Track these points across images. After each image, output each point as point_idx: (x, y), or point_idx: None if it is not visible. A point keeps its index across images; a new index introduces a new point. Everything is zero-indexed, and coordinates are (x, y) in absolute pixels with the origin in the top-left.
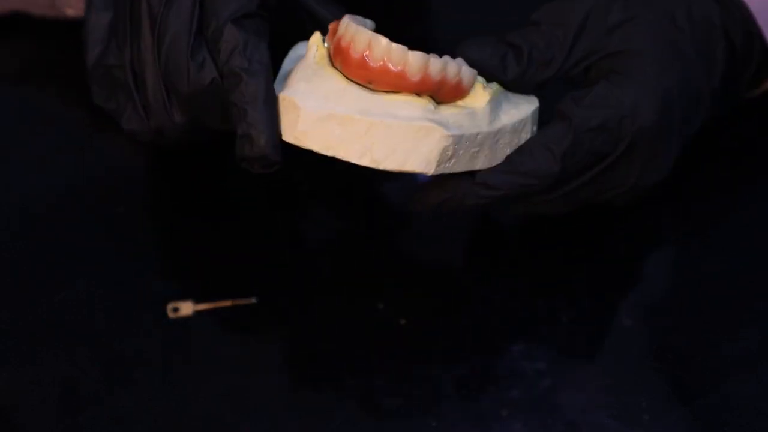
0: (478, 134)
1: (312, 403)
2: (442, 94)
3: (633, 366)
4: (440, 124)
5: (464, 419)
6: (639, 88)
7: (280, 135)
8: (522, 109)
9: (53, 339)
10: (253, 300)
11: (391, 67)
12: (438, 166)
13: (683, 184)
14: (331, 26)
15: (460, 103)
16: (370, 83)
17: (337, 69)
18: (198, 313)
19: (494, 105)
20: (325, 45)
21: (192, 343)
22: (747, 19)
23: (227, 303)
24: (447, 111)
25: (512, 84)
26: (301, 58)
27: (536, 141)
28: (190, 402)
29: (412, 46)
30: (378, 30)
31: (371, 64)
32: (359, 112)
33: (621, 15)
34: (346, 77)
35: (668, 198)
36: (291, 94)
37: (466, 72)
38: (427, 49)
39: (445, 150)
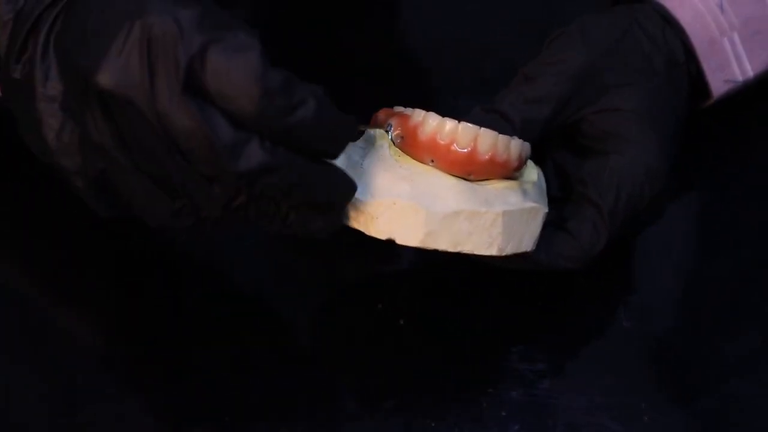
0: (547, 202)
1: (311, 403)
2: (518, 169)
3: (633, 367)
4: (537, 202)
5: (463, 420)
6: (647, 153)
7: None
8: (539, 174)
9: (52, 338)
10: None
11: (497, 158)
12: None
13: (682, 185)
14: (380, 117)
15: (522, 178)
16: (470, 174)
17: (425, 163)
18: (197, 314)
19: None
20: (390, 137)
21: (192, 343)
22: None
23: None
24: (528, 186)
25: None
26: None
27: (578, 237)
28: (190, 401)
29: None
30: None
31: (479, 158)
32: (482, 204)
33: (614, 72)
34: (442, 170)
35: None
36: (402, 198)
37: (527, 145)
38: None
39: (542, 225)
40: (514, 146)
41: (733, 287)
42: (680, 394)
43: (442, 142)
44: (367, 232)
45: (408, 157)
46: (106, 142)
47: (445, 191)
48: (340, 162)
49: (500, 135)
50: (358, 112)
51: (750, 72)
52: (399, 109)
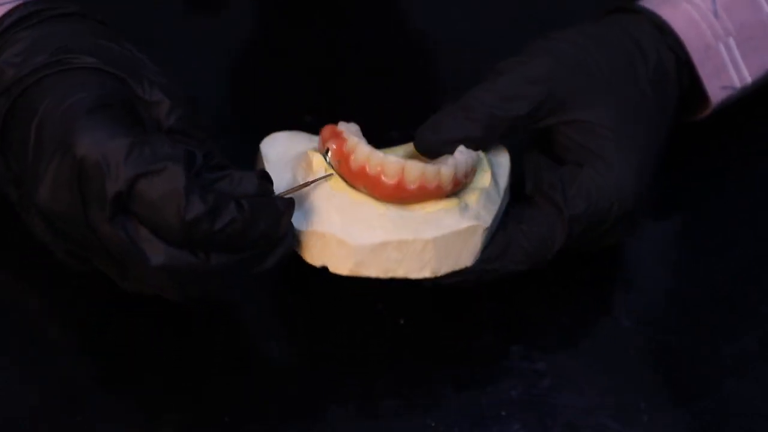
0: (498, 213)
1: (311, 403)
2: (459, 187)
3: (632, 367)
4: (477, 218)
5: (463, 419)
6: (620, 173)
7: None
8: (502, 166)
9: (52, 337)
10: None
11: (427, 185)
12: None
13: (682, 186)
14: (324, 135)
15: (471, 185)
16: (402, 201)
17: (358, 190)
18: (197, 313)
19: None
20: (329, 161)
21: (192, 343)
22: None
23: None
24: (471, 199)
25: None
26: (287, 166)
27: (532, 233)
28: (190, 401)
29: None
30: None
31: (408, 187)
32: (411, 232)
33: (586, 76)
34: (376, 198)
35: (667, 199)
36: (332, 230)
37: (471, 158)
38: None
39: (484, 239)
40: (445, 173)
41: (732, 287)
42: (680, 394)
43: (370, 173)
44: (303, 258)
45: (344, 184)
46: (47, 240)
47: (375, 221)
48: (285, 183)
49: (428, 165)
50: (358, 112)
51: (747, 78)
52: (342, 126)
